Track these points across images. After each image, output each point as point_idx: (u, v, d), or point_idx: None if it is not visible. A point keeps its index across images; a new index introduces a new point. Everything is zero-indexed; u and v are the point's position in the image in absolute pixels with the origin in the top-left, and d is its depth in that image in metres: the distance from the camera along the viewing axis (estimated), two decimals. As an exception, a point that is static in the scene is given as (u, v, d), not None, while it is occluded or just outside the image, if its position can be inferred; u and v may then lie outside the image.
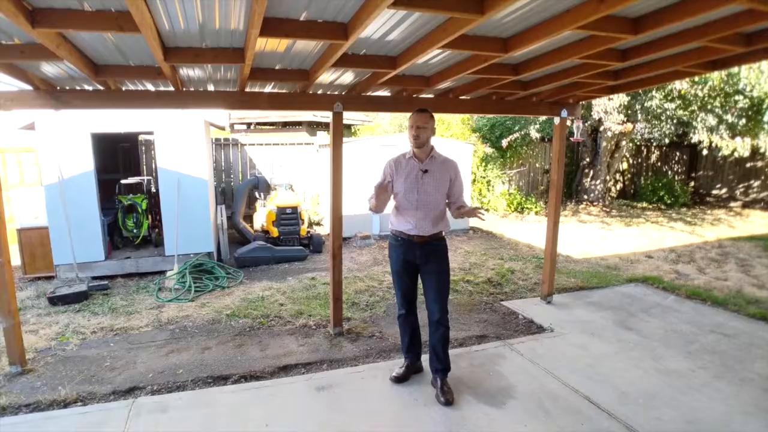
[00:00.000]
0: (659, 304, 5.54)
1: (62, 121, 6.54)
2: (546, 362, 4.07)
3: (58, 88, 4.08)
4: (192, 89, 4.42)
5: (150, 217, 7.98)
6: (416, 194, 3.46)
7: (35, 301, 5.92)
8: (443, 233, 3.60)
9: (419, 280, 3.65)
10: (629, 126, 11.78)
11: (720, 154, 13.13)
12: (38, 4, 2.41)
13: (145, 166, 10.70)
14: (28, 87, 3.89)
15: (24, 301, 5.78)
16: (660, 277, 6.67)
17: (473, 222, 10.68)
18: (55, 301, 5.76)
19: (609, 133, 12.58)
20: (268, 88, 4.51)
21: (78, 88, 4.16)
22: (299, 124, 15.42)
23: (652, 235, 9.95)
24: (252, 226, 9.49)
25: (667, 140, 12.66)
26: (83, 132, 6.66)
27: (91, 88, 4.16)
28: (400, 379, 3.74)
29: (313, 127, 15.22)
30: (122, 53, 3.34)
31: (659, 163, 15.89)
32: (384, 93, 4.84)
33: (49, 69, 3.63)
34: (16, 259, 5.27)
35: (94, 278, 6.70)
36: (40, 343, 4.60)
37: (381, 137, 12.03)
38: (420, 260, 3.52)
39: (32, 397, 3.63)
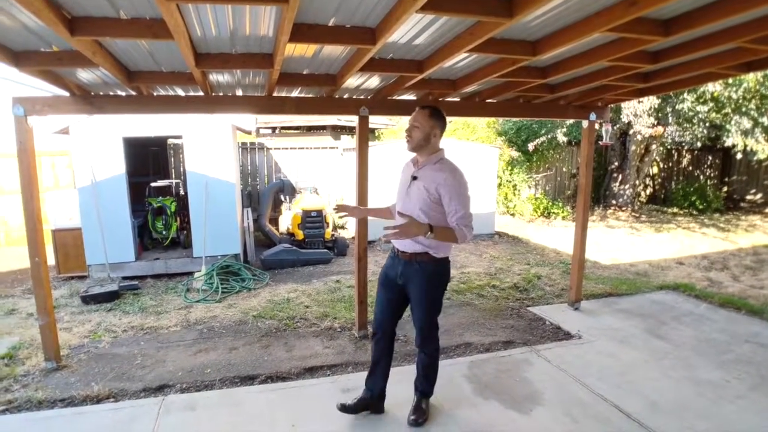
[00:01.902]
0: (691, 312, 5.39)
1: (95, 125, 6.74)
2: (574, 369, 4.00)
3: (93, 93, 4.21)
4: (221, 94, 4.50)
5: (178, 219, 8.15)
6: (401, 202, 3.06)
7: (69, 300, 6.11)
8: (434, 256, 2.99)
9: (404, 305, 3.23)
10: (660, 129, 11.53)
11: (755, 158, 12.70)
12: (76, 12, 2.50)
13: (173, 170, 10.93)
14: (65, 93, 4.02)
15: (58, 300, 5.96)
16: (692, 284, 6.49)
17: (499, 226, 10.59)
18: (88, 300, 5.93)
19: (639, 137, 12.31)
20: (295, 93, 4.57)
21: (111, 93, 4.28)
22: (323, 128, 15.52)
23: (683, 242, 9.70)
24: (277, 229, 9.60)
25: (699, 144, 12.33)
26: (115, 136, 6.86)
27: (123, 94, 4.28)
28: (346, 409, 3.22)
29: (337, 131, 15.31)
30: (155, 59, 3.43)
31: (691, 168, 15.49)
32: (410, 97, 4.85)
33: (84, 75, 3.75)
34: (50, 259, 5.44)
35: (125, 278, 6.87)
36: (73, 341, 4.74)
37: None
38: (401, 280, 3.06)
39: (66, 392, 3.74)
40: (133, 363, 4.28)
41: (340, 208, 3.11)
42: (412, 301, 3.11)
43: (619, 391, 3.65)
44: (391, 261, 3.16)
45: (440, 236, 2.83)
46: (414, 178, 2.98)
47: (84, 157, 6.77)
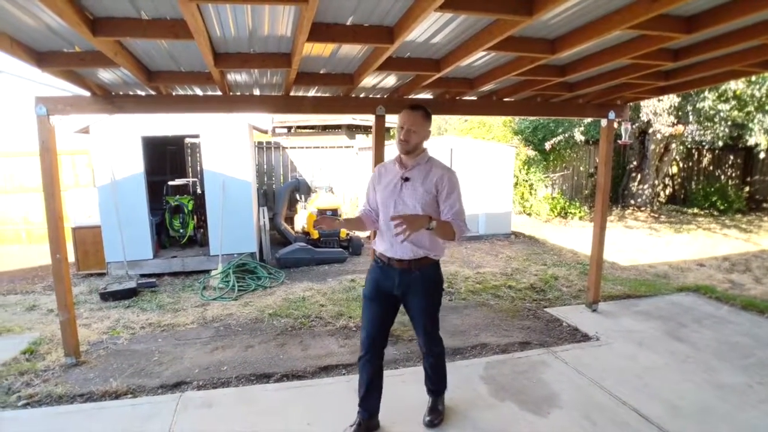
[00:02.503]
0: (712, 315, 5.28)
1: (115, 125, 6.84)
2: (592, 372, 3.95)
3: (113, 93, 4.26)
4: (239, 93, 4.53)
5: (195, 217, 8.23)
6: (393, 207, 2.82)
7: (88, 297, 6.21)
8: (433, 258, 2.89)
9: (396, 318, 3.06)
10: (680, 128, 11.33)
11: (779, 158, 12.44)
12: (99, 13, 2.53)
13: (190, 168, 11.05)
14: (86, 92, 4.08)
15: (77, 296, 6.06)
16: (713, 286, 6.36)
17: (515, 226, 10.51)
18: (107, 296, 6.02)
19: (658, 136, 12.12)
20: (312, 92, 4.58)
21: (131, 93, 4.33)
22: (338, 127, 15.56)
23: (703, 243, 9.52)
24: (293, 228, 9.65)
25: (720, 143, 12.07)
26: (134, 135, 6.95)
27: (143, 93, 4.33)
28: None
29: (352, 130, 15.34)
30: (174, 59, 3.46)
31: (711, 167, 15.20)
32: (426, 96, 4.83)
33: (105, 75, 3.80)
34: (70, 257, 5.53)
35: (143, 276, 6.96)
36: (92, 337, 4.82)
37: (420, 140, 11.98)
38: (399, 291, 2.87)
39: (86, 387, 3.80)
40: (150, 359, 4.33)
41: (318, 222, 2.83)
42: (413, 310, 2.94)
43: (639, 395, 3.59)
44: (382, 272, 2.92)
45: (440, 229, 2.65)
46: (406, 179, 2.81)
47: (104, 156, 6.87)
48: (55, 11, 2.13)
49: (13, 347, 4.49)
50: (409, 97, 4.64)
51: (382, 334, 3.00)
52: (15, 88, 10.45)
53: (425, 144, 2.91)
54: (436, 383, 3.24)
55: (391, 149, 8.70)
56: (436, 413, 3.22)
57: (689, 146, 14.02)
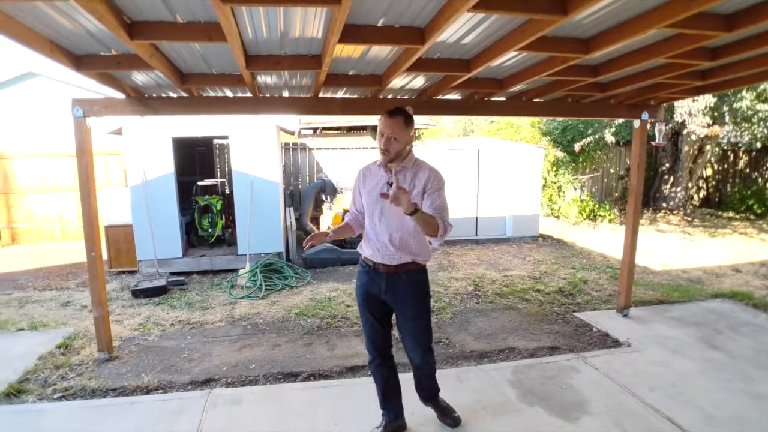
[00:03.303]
0: (749, 323, 5.10)
1: (146, 126, 7.00)
2: (623, 378, 3.86)
3: (146, 95, 4.36)
4: (268, 95, 4.58)
5: (224, 217, 8.35)
6: (379, 211, 2.74)
7: (120, 294, 6.37)
8: (420, 263, 2.82)
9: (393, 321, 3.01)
10: (716, 129, 10.99)
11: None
12: (136, 17, 2.60)
13: (218, 169, 11.22)
14: (120, 95, 4.18)
15: (110, 293, 6.21)
16: (749, 293, 6.14)
17: (543, 229, 10.36)
18: (138, 294, 6.16)
19: (692, 137, 11.77)
20: (340, 94, 4.60)
21: (163, 95, 4.42)
22: (363, 128, 15.59)
23: (739, 248, 9.21)
24: (319, 228, 9.70)
25: (758, 144, 11.67)
26: (165, 136, 7.10)
27: (175, 95, 4.41)
28: None
29: (377, 131, 15.35)
30: (206, 62, 3.52)
31: (748, 169, 14.68)
32: (455, 96, 4.80)
33: (139, 77, 3.89)
34: (103, 254, 5.68)
35: (172, 274, 7.09)
36: (124, 333, 4.93)
37: (446, 141, 11.95)
38: (387, 296, 2.79)
39: (118, 382, 3.90)
40: (180, 356, 4.41)
41: (308, 241, 2.79)
42: (402, 317, 2.84)
43: (672, 403, 3.49)
44: (369, 276, 2.83)
45: (423, 220, 2.50)
46: (391, 184, 2.63)
47: (136, 157, 7.04)
48: (96, 16, 2.19)
49: (49, 341, 4.64)
50: (438, 98, 4.62)
51: (382, 336, 2.95)
52: (49, 91, 10.79)
53: (432, 147, 2.84)
54: (431, 389, 3.16)
55: (417, 150, 8.70)
56: (450, 411, 3.20)
57: (725, 148, 13.58)
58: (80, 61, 3.33)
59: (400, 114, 2.64)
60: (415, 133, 2.72)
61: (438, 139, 16.38)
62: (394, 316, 2.98)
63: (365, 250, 2.85)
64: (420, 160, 2.80)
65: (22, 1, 2.21)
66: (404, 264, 2.73)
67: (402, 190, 2.41)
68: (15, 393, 3.68)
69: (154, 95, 4.39)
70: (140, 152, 7.04)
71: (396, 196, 2.38)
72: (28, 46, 2.72)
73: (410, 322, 2.83)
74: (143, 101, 4.23)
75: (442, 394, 3.25)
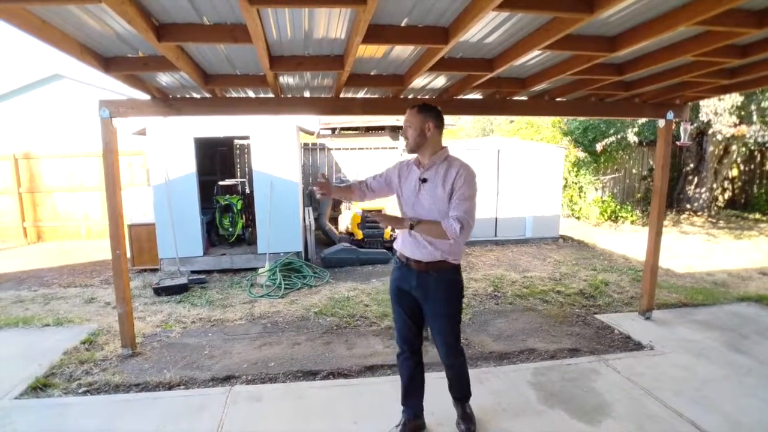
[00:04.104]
0: (777, 327, 4.99)
1: (169, 127, 7.11)
2: (646, 382, 3.79)
3: (171, 96, 4.42)
4: (290, 96, 4.61)
5: (244, 216, 8.44)
6: (413, 207, 2.79)
7: (142, 291, 6.48)
8: (452, 263, 2.81)
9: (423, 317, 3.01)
10: (742, 129, 10.73)
11: None
12: (164, 20, 2.64)
13: (239, 169, 11.34)
14: (145, 96, 4.25)
15: (133, 291, 6.30)
16: (777, 297, 6.00)
17: (563, 230, 10.25)
18: (160, 291, 6.26)
19: (718, 137, 11.52)
20: (361, 94, 4.61)
21: (187, 96, 4.48)
22: (382, 128, 15.60)
23: (767, 250, 9.00)
24: (337, 228, 9.74)
25: (786, 145, 11.40)
26: (187, 137, 7.20)
27: (198, 96, 4.47)
28: None
29: (395, 131, 15.34)
30: (231, 63, 3.56)
31: (775, 170, 14.34)
32: (476, 96, 4.78)
33: (164, 78, 3.95)
34: (126, 252, 5.78)
35: (193, 272, 7.19)
36: (147, 329, 5.02)
37: (465, 141, 11.91)
38: (417, 292, 2.83)
39: (141, 377, 3.97)
40: (201, 353, 4.47)
41: (318, 186, 2.88)
42: (430, 315, 2.87)
43: (696, 408, 3.43)
44: (401, 272, 2.89)
45: (425, 231, 2.64)
46: (423, 180, 2.74)
47: (159, 157, 7.16)
48: (126, 19, 2.24)
49: (74, 337, 4.74)
50: (459, 97, 4.60)
51: (413, 331, 2.98)
52: (74, 92, 11.02)
53: (452, 144, 2.87)
54: (460, 391, 3.15)
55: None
56: (470, 419, 3.15)
57: (751, 148, 13.27)
58: (108, 63, 3.39)
59: (415, 105, 2.76)
60: (430, 126, 2.72)
61: (457, 139, 16.32)
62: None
63: (399, 245, 2.90)
64: (453, 156, 2.80)
65: (56, 3, 2.26)
66: (435, 262, 2.75)
67: (387, 218, 2.69)
68: (41, 387, 3.77)
69: (179, 96, 4.45)
70: (163, 152, 7.15)
71: (382, 220, 2.65)
72: (60, 50, 2.79)
73: (438, 320, 2.86)
74: (167, 102, 4.29)
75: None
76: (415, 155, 2.84)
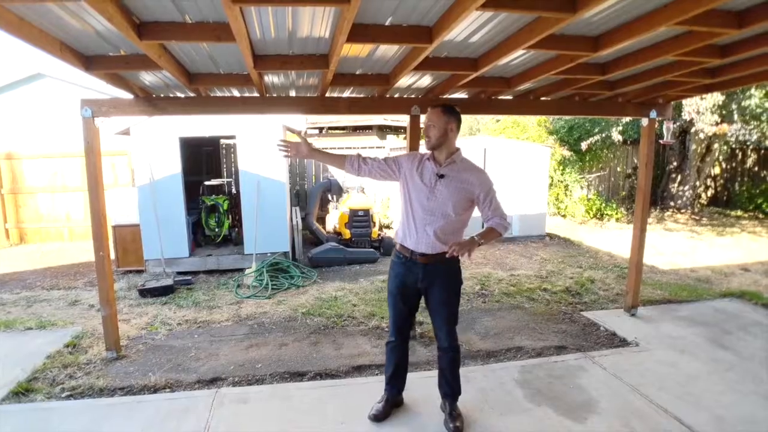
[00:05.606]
0: (759, 323, 5.06)
1: (154, 126, 7.02)
2: (631, 378, 3.84)
3: (154, 95, 4.37)
4: (275, 95, 4.58)
5: (230, 217, 8.37)
6: (426, 201, 2.91)
7: (127, 293, 6.39)
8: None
9: (419, 306, 3.20)
10: (724, 127, 10.90)
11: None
12: (145, 17, 2.61)
13: (225, 169, 11.26)
14: (128, 95, 4.19)
15: (117, 292, 6.22)
16: (759, 292, 6.09)
17: (549, 228, 10.32)
18: (145, 293, 6.18)
19: (700, 135, 11.69)
20: (347, 93, 4.60)
21: (171, 95, 4.43)
22: (369, 128, 15.62)
23: (748, 246, 9.14)
24: (325, 228, 9.72)
25: (767, 142, 11.59)
26: (172, 137, 7.12)
27: (182, 95, 4.42)
28: (379, 418, 3.24)
29: (383, 131, 15.37)
30: (214, 62, 3.53)
31: (757, 168, 14.56)
32: (461, 95, 4.79)
33: (147, 78, 3.90)
34: (110, 254, 5.70)
35: (179, 273, 7.11)
36: (132, 332, 4.96)
37: (452, 140, 11.90)
38: (422, 284, 2.98)
39: (126, 381, 3.91)
40: (187, 355, 4.42)
41: (284, 143, 3.05)
42: (435, 302, 3.02)
43: (681, 403, 3.47)
44: (406, 267, 3.00)
45: (486, 239, 2.93)
46: (440, 176, 2.90)
47: (143, 157, 7.07)
48: (106, 16, 2.20)
49: (57, 340, 4.66)
50: (445, 96, 4.61)
51: (407, 322, 3.22)
52: (56, 91, 10.86)
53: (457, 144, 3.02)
54: (452, 384, 3.20)
55: (424, 149, 8.68)
56: (459, 418, 3.18)
57: (733, 146, 13.50)
58: (90, 61, 3.34)
59: (440, 105, 2.91)
60: (453, 128, 2.93)
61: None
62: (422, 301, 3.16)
63: (405, 238, 3.01)
64: (468, 159, 3.01)
65: (33, 2, 2.22)
66: (440, 253, 2.88)
67: (462, 244, 2.73)
68: (24, 392, 3.70)
69: (162, 95, 4.40)
70: (148, 152, 7.06)
71: (460, 250, 2.70)
72: (39, 48, 2.74)
73: (444, 307, 3.03)
74: (151, 101, 4.24)
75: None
76: (428, 151, 2.99)
